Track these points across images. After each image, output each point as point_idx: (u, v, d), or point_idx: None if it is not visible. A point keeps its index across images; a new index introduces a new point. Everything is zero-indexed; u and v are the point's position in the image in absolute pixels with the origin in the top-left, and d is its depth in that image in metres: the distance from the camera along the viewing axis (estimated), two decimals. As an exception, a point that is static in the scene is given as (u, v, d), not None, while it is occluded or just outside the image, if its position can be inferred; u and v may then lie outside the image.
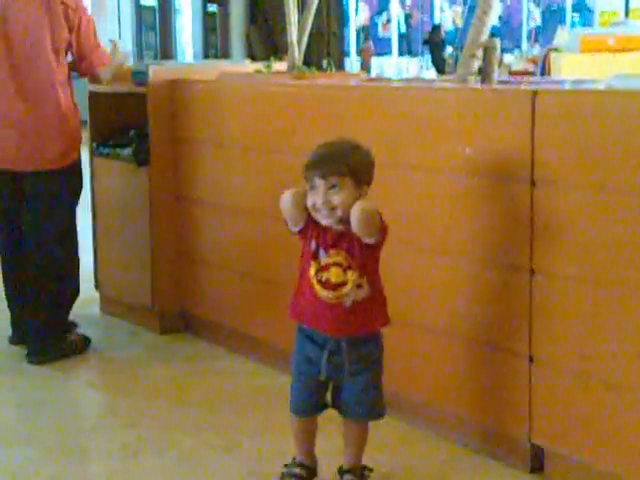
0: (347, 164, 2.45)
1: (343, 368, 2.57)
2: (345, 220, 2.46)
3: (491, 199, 2.90)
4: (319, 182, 2.44)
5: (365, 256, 2.51)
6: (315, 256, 2.52)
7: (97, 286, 4.61)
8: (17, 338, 4.05)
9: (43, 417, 3.57)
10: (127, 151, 4.28)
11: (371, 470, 2.70)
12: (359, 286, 2.51)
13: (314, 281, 2.52)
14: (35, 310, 3.92)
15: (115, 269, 4.53)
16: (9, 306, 4.05)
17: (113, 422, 3.34)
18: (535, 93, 2.74)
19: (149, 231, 4.20)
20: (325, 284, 2.51)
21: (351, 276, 2.50)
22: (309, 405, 2.65)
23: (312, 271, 2.52)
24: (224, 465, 2.96)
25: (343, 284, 2.50)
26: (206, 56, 15.55)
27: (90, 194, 4.56)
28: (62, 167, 3.90)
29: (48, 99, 3.82)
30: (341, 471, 2.68)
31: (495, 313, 2.93)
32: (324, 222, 2.48)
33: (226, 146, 4.00)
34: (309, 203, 2.48)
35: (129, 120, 4.40)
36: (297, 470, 2.66)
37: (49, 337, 3.93)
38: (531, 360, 2.80)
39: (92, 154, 4.50)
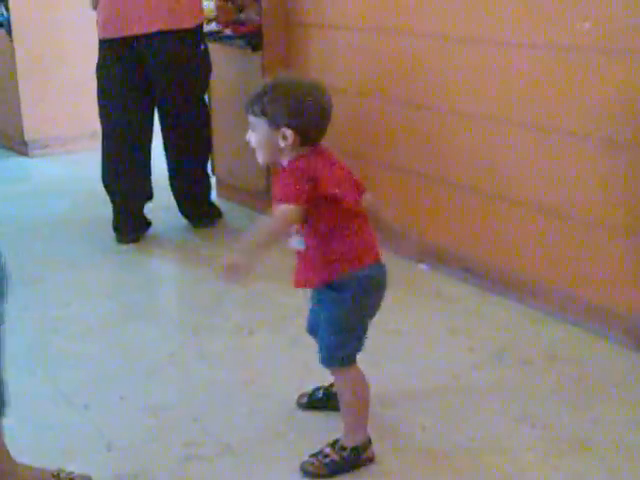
0: (261, 104, 2.23)
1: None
2: (271, 163, 2.29)
3: (612, 75, 2.78)
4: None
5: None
6: None
7: (213, 171, 4.68)
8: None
9: (163, 296, 3.71)
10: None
11: (358, 457, 2.31)
12: (299, 233, 2.23)
13: None
14: (198, 181, 4.30)
15: (230, 154, 4.58)
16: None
17: (230, 302, 3.43)
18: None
19: (262, 116, 4.21)
20: None
21: None
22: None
23: None
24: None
25: None
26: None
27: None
28: (196, 26, 4.01)
29: None
30: None
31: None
32: None
33: (337, 28, 3.94)
34: None
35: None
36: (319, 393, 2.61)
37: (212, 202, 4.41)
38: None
39: (207, 40, 4.51)
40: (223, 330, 3.17)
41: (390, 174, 3.79)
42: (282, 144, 2.21)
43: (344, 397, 2.31)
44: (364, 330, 2.28)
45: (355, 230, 2.22)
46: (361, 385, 2.31)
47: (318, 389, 2.60)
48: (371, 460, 2.32)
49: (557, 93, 2.97)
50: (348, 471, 2.28)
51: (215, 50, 4.46)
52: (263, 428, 2.52)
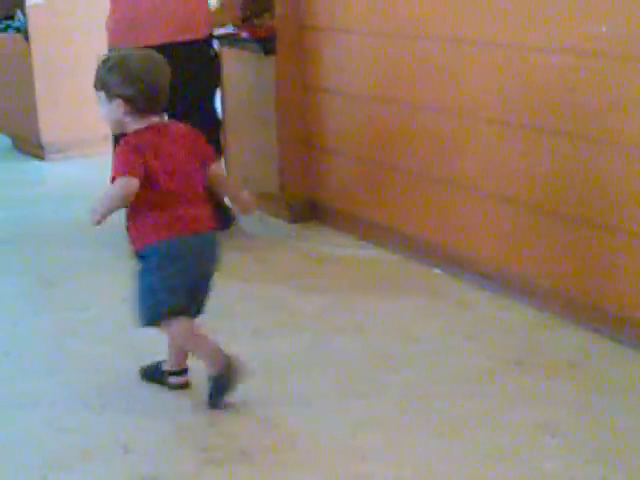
0: (99, 78, 2.54)
1: None
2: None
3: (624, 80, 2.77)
4: None
5: None
6: None
7: (227, 175, 4.68)
8: None
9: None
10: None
11: (168, 377, 2.76)
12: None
13: None
14: None
15: (243, 158, 4.58)
16: None
17: (246, 305, 3.43)
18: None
19: (276, 120, 4.21)
20: None
21: None
22: None
23: None
24: (353, 344, 3.03)
25: None
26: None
27: (219, 84, 4.60)
28: (208, 35, 4.04)
29: None
30: None
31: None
32: None
33: (349, 32, 3.94)
34: None
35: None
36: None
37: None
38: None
39: (220, 44, 4.51)
40: (238, 334, 3.16)
41: (405, 178, 3.77)
42: (116, 114, 2.50)
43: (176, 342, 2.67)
44: (175, 292, 2.56)
45: (165, 206, 2.50)
46: (188, 338, 2.62)
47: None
48: (183, 386, 2.72)
49: (569, 98, 2.97)
50: (158, 383, 2.75)
51: (229, 54, 4.47)
52: (279, 434, 2.52)
